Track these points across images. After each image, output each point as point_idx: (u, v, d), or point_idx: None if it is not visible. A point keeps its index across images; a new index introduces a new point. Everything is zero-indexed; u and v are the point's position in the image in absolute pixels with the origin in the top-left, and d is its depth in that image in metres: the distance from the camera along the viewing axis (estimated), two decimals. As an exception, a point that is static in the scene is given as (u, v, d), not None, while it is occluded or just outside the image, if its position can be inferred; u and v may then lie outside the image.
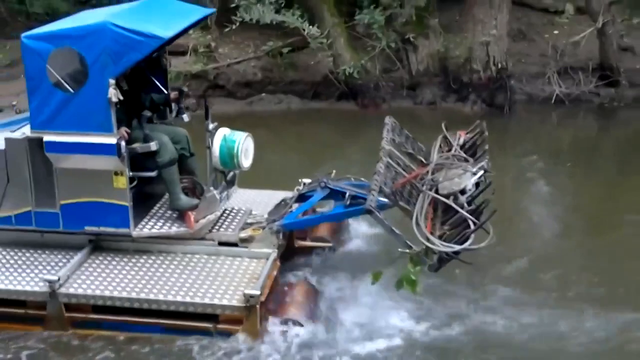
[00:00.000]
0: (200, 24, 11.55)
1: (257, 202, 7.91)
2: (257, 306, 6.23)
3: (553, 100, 13.06)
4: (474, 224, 5.90)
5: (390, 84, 13.43)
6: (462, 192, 6.31)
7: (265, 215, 7.42)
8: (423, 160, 7.35)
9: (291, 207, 7.30)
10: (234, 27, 12.94)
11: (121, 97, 6.48)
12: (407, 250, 5.95)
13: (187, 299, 6.36)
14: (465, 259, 6.02)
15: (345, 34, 13.40)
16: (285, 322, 6.38)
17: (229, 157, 7.04)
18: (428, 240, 5.90)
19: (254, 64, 13.96)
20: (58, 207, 6.85)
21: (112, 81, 6.39)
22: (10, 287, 6.57)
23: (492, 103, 13.13)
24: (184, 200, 7.00)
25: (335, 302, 6.81)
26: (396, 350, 6.22)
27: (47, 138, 6.61)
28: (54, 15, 15.47)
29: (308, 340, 6.29)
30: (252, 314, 6.25)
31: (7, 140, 6.81)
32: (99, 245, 7.08)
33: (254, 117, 12.72)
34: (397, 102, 13.30)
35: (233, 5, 12.87)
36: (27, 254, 7.04)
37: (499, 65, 13.10)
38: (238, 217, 7.35)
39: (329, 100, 13.49)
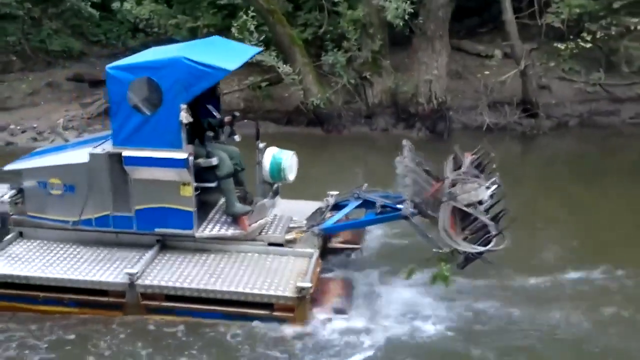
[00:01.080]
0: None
1: (291, 210, 8.75)
2: (307, 297, 7.19)
3: (484, 129, 14.59)
4: (495, 229, 6.90)
5: (350, 113, 15.16)
6: (480, 202, 7.30)
7: (304, 221, 8.40)
8: (437, 177, 8.33)
9: (325, 215, 8.28)
10: None
11: (191, 119, 7.47)
12: (440, 251, 6.92)
13: (247, 290, 7.31)
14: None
15: (313, 72, 15.06)
16: (329, 311, 7.35)
17: (277, 171, 8.04)
18: (455, 242, 6.88)
19: (237, 95, 15.82)
20: (133, 212, 7.82)
21: (183, 106, 7.38)
22: (95, 278, 7.53)
23: (434, 130, 14.82)
24: (239, 207, 7.99)
25: (369, 295, 7.76)
26: (429, 336, 7.13)
27: (125, 153, 7.60)
28: (69, 53, 17.96)
29: (349, 327, 7.24)
30: (302, 304, 7.21)
31: (91, 155, 7.78)
32: (165, 245, 8.03)
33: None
34: (356, 128, 15.01)
35: None
36: (105, 251, 7.99)
37: (440, 99, 14.85)
38: (282, 222, 8.32)
39: (299, 126, 15.27)
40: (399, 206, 7.79)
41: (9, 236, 8.19)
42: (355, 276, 8.15)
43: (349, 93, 15.15)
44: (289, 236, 8.09)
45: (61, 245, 8.12)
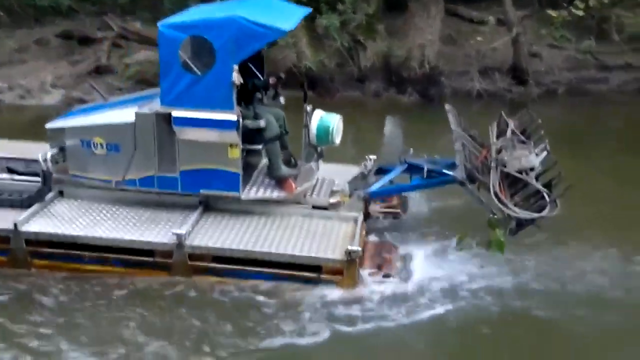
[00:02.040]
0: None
1: (331, 173, 8.60)
2: (356, 260, 7.07)
3: (474, 94, 14.60)
4: (548, 196, 6.77)
5: (342, 77, 14.86)
6: (531, 169, 7.17)
7: (347, 185, 8.24)
8: (482, 143, 8.19)
9: (368, 179, 8.13)
10: None
11: (242, 81, 7.26)
12: (495, 216, 6.79)
13: (296, 252, 7.18)
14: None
15: (307, 34, 14.68)
16: (377, 274, 7.23)
17: (325, 134, 7.85)
18: (508, 208, 6.76)
19: None
20: (178, 173, 7.63)
21: (235, 66, 7.17)
22: (142, 238, 7.35)
23: (426, 95, 14.72)
24: (285, 169, 7.82)
25: (413, 259, 7.66)
26: (475, 302, 7.05)
27: (175, 113, 7.38)
28: (58, 9, 17.02)
29: (396, 289, 7.16)
30: (351, 267, 7.09)
31: (137, 114, 7.56)
32: (208, 206, 7.86)
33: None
34: (348, 92, 14.74)
35: None
36: (148, 212, 7.82)
37: (432, 64, 14.72)
38: (325, 186, 8.17)
39: (293, 89, 14.51)
40: (445, 171, 7.67)
41: (50, 195, 7.96)
42: (399, 241, 8.00)
43: (342, 57, 14.89)
44: (333, 199, 7.94)
45: (103, 205, 7.93)
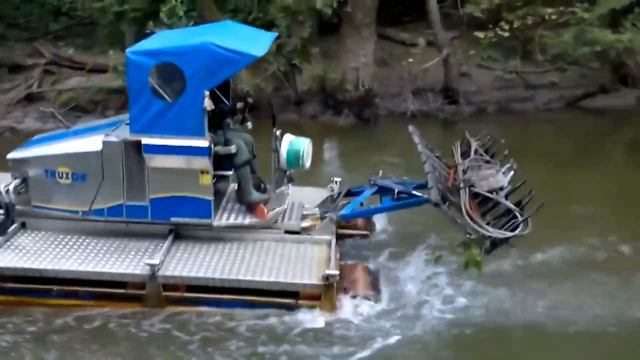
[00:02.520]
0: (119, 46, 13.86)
1: (298, 197, 8.50)
2: (334, 284, 7.00)
3: (408, 115, 14.78)
4: (520, 215, 6.85)
5: (280, 101, 14.76)
6: (501, 188, 7.25)
7: (315, 208, 8.17)
8: (447, 163, 8.24)
9: (338, 202, 8.09)
10: None
11: (213, 107, 7.14)
12: (471, 236, 6.83)
13: (273, 279, 7.06)
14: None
15: None
16: (354, 297, 7.17)
17: (295, 158, 7.77)
18: (482, 228, 6.81)
19: None
20: (147, 201, 7.42)
21: (207, 92, 7.04)
22: (113, 270, 7.12)
23: (361, 117, 14.87)
24: (255, 195, 7.72)
25: (388, 280, 7.62)
26: (455, 320, 7.06)
27: (145, 141, 7.20)
28: None
29: (376, 313, 7.10)
30: (329, 291, 7.02)
31: (105, 143, 7.35)
32: (178, 234, 7.67)
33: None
34: (285, 115, 14.53)
35: (148, 31, 13.78)
36: (116, 242, 7.58)
37: (367, 87, 14.86)
38: (295, 209, 8.09)
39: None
40: (415, 193, 7.69)
41: (12, 227, 7.64)
42: (370, 262, 7.97)
43: (279, 80, 14.90)
44: (305, 223, 7.86)
45: (68, 237, 7.66)
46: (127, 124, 7.73)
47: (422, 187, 7.94)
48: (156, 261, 7.05)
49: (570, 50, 15.22)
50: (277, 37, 13.92)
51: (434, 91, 15.43)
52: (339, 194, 8.23)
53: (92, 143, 7.43)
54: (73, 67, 15.52)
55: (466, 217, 7.01)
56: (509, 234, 6.79)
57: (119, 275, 7.10)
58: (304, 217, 7.97)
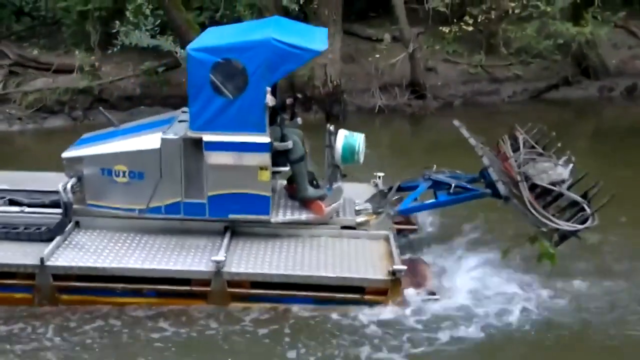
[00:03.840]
0: (85, 46, 14.10)
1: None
2: (401, 279, 6.94)
3: (376, 110, 15.04)
4: (588, 207, 6.83)
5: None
6: (562, 181, 7.22)
7: (367, 204, 8.12)
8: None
9: (391, 197, 8.03)
10: (115, 49, 14.26)
11: (274, 102, 7.05)
12: (544, 229, 6.80)
13: (339, 274, 6.98)
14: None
15: None
16: (420, 292, 7.11)
17: (350, 153, 7.69)
18: (552, 221, 6.79)
19: (133, 80, 15.14)
20: (205, 198, 7.32)
21: (268, 88, 6.96)
22: (178, 267, 7.02)
23: (330, 112, 14.68)
24: (312, 191, 7.64)
25: (446, 274, 7.56)
26: (523, 314, 6.96)
27: (206, 138, 7.11)
28: None
29: (442, 306, 7.02)
30: (396, 286, 6.96)
31: (163, 140, 7.23)
32: (234, 231, 7.57)
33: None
34: None
35: (114, 30, 14.05)
36: (173, 240, 7.47)
37: (335, 83, 14.88)
38: (347, 205, 8.00)
39: None
40: (469, 186, 7.69)
41: (68, 227, 7.50)
42: (425, 257, 7.91)
43: None
44: (360, 219, 7.79)
45: (125, 235, 7.54)
46: (180, 121, 7.67)
47: (474, 180, 7.94)
48: (222, 258, 6.95)
49: (533, 43, 15.75)
50: None
51: (401, 86, 15.61)
52: (390, 189, 8.17)
53: (150, 141, 7.32)
54: (38, 68, 15.33)
55: (532, 210, 6.97)
56: (580, 226, 6.78)
57: (185, 273, 7.01)
58: (358, 213, 7.90)
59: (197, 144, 7.18)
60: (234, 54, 6.97)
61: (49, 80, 14.72)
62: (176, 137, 7.24)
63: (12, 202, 8.09)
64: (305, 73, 14.55)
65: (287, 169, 7.56)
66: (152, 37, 14.00)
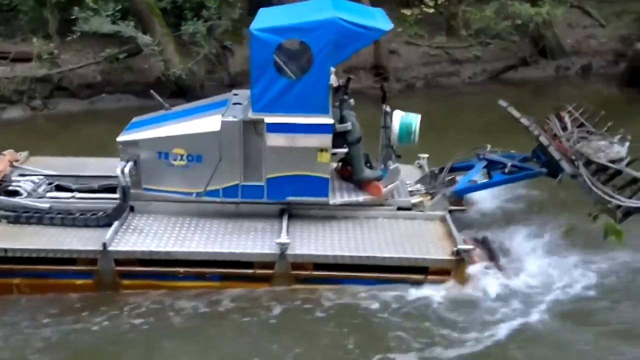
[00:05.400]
0: (43, 33, 13.53)
1: None
2: (466, 259, 6.84)
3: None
4: None
5: (213, 83, 14.30)
6: (621, 159, 7.15)
7: (418, 185, 8.00)
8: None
9: (444, 177, 7.93)
10: (74, 36, 13.77)
11: (338, 83, 6.89)
12: (609, 205, 6.72)
13: (403, 255, 6.86)
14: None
15: (174, 42, 14.15)
16: (484, 269, 7.01)
17: (407, 133, 7.56)
18: (616, 198, 6.72)
19: (94, 68, 14.46)
20: (264, 181, 7.15)
21: (333, 69, 6.79)
22: (241, 250, 6.85)
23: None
24: (369, 172, 7.51)
25: (507, 253, 7.45)
26: (584, 292, 6.92)
27: (268, 120, 6.93)
28: None
29: (505, 283, 6.95)
30: (461, 265, 6.86)
31: (224, 122, 7.04)
32: (291, 213, 7.41)
33: (97, 115, 13.60)
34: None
35: (73, 17, 13.61)
36: (231, 223, 7.30)
37: None
38: (401, 187, 7.86)
39: (162, 98, 13.90)
40: (525, 165, 7.62)
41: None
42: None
43: (211, 63, 14.47)
44: (415, 200, 7.67)
45: (181, 219, 7.35)
46: (235, 103, 7.48)
47: (526, 160, 7.85)
48: (286, 240, 6.79)
49: (492, 24, 15.76)
50: (207, 20, 13.82)
51: (365, 69, 15.38)
52: (441, 169, 8.05)
53: (209, 123, 7.12)
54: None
55: (596, 188, 6.89)
56: None
57: (250, 255, 6.86)
58: (412, 194, 7.78)
59: (257, 125, 7.00)
60: (299, 34, 6.80)
61: (6, 69, 13.87)
62: (236, 119, 7.05)
63: (59, 188, 7.85)
64: None
65: (345, 150, 7.39)
66: (113, 23, 13.45)
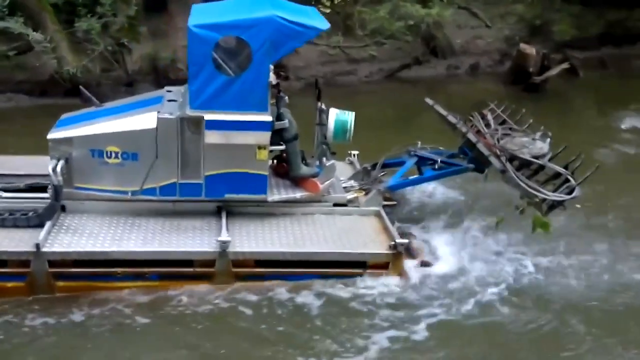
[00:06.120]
0: None
1: None
2: (402, 252, 6.95)
3: None
4: (573, 179, 7.07)
5: (109, 82, 13.80)
6: (543, 155, 7.43)
7: (352, 181, 8.08)
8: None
9: (376, 174, 8.03)
10: None
11: (278, 81, 6.86)
12: (536, 199, 6.97)
13: (342, 250, 6.91)
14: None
15: (67, 39, 13.66)
16: (417, 264, 7.15)
17: (342, 131, 7.62)
18: (540, 192, 6.99)
19: None
20: (202, 178, 7.05)
21: (271, 66, 6.76)
22: (181, 248, 6.73)
23: None
24: (305, 169, 7.52)
25: (435, 246, 7.63)
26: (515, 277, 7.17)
27: (208, 117, 6.83)
28: None
29: (439, 276, 7.10)
30: (398, 259, 6.97)
31: (160, 119, 6.89)
32: (228, 211, 7.32)
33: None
34: (117, 97, 12.23)
35: None
36: (167, 221, 7.16)
37: None
38: (336, 183, 7.90)
39: (56, 97, 13.54)
40: (453, 162, 7.82)
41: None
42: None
43: (107, 61, 13.92)
44: (350, 196, 7.73)
45: (116, 218, 7.14)
46: (169, 100, 7.33)
47: (453, 156, 8.05)
48: (227, 238, 6.72)
49: (386, 25, 16.00)
50: (102, 16, 13.39)
51: None
52: (374, 165, 8.15)
53: (145, 120, 6.96)
54: None
55: (522, 183, 7.13)
56: (567, 197, 6.99)
57: (190, 254, 6.74)
58: (347, 190, 7.84)
59: (195, 123, 6.90)
60: (238, 31, 6.74)
61: None
62: (173, 116, 6.91)
63: (-16, 188, 7.49)
64: (169, 56, 13.99)
65: (282, 147, 7.38)
66: (1, 18, 12.77)
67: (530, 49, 15.67)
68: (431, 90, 15.63)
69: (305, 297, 6.79)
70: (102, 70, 13.72)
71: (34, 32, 12.68)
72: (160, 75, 14.03)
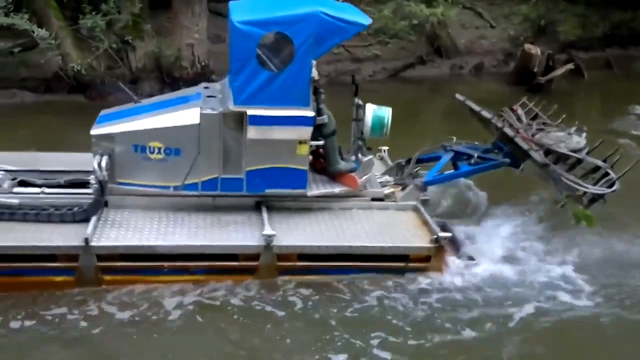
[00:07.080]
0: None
1: None
2: (444, 246, 6.92)
3: None
4: (612, 172, 7.07)
5: (113, 80, 13.38)
6: (580, 149, 7.42)
7: (386, 176, 8.05)
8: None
9: (411, 168, 8.01)
10: None
11: (319, 76, 6.84)
12: (578, 193, 6.96)
13: (384, 243, 6.88)
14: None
15: (71, 36, 13.60)
16: (459, 257, 7.13)
17: (380, 126, 7.59)
18: (582, 186, 6.97)
19: None
20: (243, 173, 7.01)
21: (314, 62, 6.73)
22: (227, 243, 6.68)
23: None
24: (343, 164, 7.48)
25: (478, 242, 7.59)
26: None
27: (251, 112, 6.79)
28: None
29: (483, 270, 7.08)
30: (440, 253, 6.94)
31: (203, 115, 6.86)
32: (268, 206, 7.28)
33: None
34: (121, 94, 11.50)
35: None
36: (209, 216, 7.11)
37: (203, 63, 14.17)
38: (372, 178, 7.86)
39: (60, 93, 13.72)
40: (489, 156, 7.80)
41: (104, 206, 6.99)
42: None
43: (112, 58, 13.78)
44: (387, 191, 7.70)
45: (158, 213, 7.10)
46: (208, 96, 7.30)
47: (488, 151, 8.03)
48: (272, 232, 6.67)
49: (390, 24, 15.96)
50: (106, 14, 13.32)
51: None
52: (408, 160, 8.12)
53: (187, 116, 6.92)
54: None
55: (563, 177, 7.12)
56: (608, 190, 6.99)
57: (235, 248, 6.70)
58: (383, 185, 7.81)
59: (237, 118, 6.85)
60: (282, 27, 6.71)
61: None
62: (215, 112, 6.87)
63: (22, 184, 7.42)
64: (173, 53, 13.85)
65: (321, 142, 7.33)
66: (6, 15, 12.44)
67: (534, 49, 15.69)
68: (435, 90, 15.86)
69: (349, 292, 6.76)
70: (106, 67, 13.64)
71: (39, 29, 12.50)
72: (164, 73, 14.00)
